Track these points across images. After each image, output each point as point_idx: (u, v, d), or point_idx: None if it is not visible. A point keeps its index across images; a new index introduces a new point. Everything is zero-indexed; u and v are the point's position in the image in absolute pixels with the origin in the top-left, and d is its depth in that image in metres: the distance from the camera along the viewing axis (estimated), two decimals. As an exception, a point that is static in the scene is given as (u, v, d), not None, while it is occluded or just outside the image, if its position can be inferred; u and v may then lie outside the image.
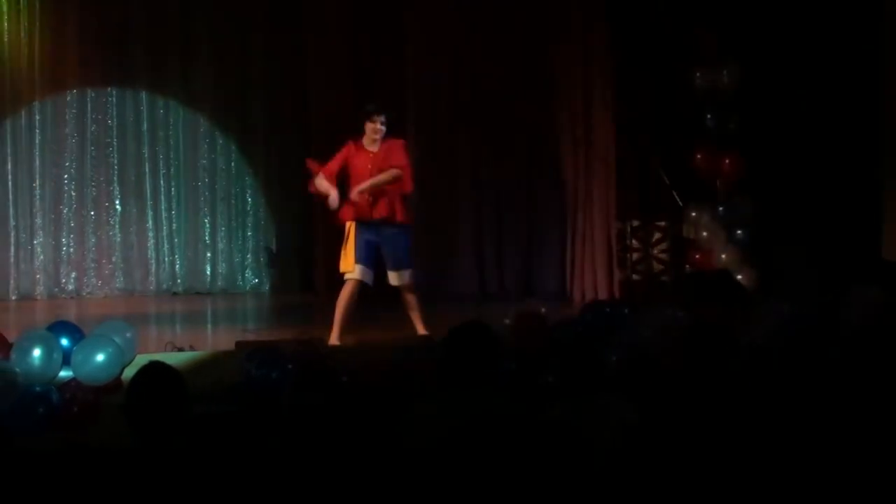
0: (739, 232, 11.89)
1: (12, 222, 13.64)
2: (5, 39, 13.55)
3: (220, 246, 14.63)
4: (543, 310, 7.84)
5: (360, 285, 9.03)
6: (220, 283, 14.56)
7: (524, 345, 7.38)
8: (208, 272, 14.56)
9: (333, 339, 8.86)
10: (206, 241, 14.58)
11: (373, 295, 9.31)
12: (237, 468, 4.38)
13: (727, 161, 11.93)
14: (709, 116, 12.02)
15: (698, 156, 12.02)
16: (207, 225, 14.60)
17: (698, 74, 11.95)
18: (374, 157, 9.12)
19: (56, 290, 13.81)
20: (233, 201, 14.72)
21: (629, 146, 12.57)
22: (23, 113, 13.72)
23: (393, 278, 9.18)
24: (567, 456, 3.94)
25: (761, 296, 10.43)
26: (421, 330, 9.10)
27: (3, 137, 13.63)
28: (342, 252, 9.11)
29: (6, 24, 13.55)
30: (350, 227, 9.07)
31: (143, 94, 14.29)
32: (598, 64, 12.59)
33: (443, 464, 4.13)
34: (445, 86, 13.43)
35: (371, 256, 9.08)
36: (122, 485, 4.21)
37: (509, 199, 13.44)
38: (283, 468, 4.47)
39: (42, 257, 13.76)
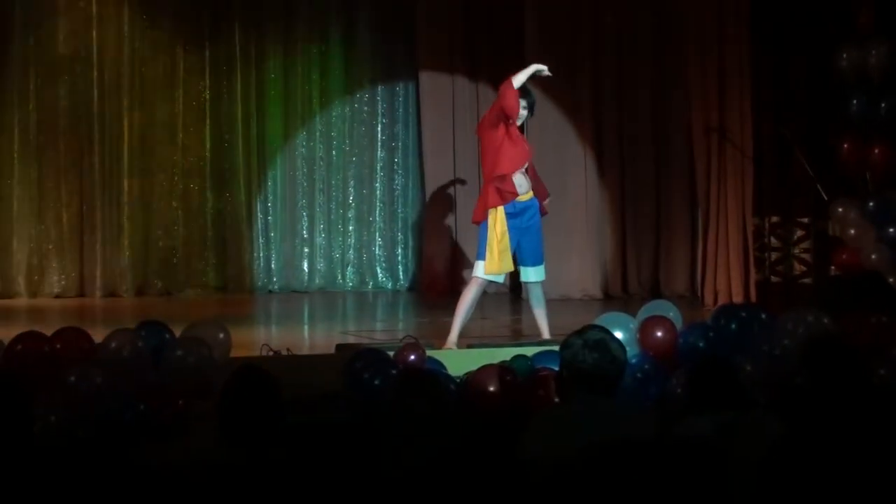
0: (892, 230, 11.67)
1: (99, 214, 13.78)
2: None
3: (319, 241, 14.67)
4: (671, 313, 7.76)
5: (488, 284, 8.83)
6: (318, 281, 14.61)
7: (649, 352, 7.34)
8: (306, 269, 14.63)
9: (450, 342, 8.68)
10: (303, 235, 14.65)
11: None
12: (335, 483, 4.40)
13: (877, 151, 11.71)
14: (856, 101, 11.81)
15: (845, 145, 11.83)
16: (305, 218, 14.66)
17: (845, 55, 11.76)
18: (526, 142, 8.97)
19: (143, 286, 13.95)
20: (333, 193, 14.75)
21: (768, 134, 12.43)
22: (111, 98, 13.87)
23: (533, 274, 8.88)
24: (704, 477, 3.88)
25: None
26: (545, 334, 8.86)
27: (90, 124, 13.77)
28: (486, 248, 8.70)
29: None
30: (497, 215, 8.65)
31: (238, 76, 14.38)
32: (733, 41, 12.46)
33: (562, 485, 4.11)
34: (564, 72, 13.42)
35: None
36: (211, 499, 4.24)
37: (633, 191, 13.37)
38: (383, 483, 4.48)
39: (129, 252, 13.91)
